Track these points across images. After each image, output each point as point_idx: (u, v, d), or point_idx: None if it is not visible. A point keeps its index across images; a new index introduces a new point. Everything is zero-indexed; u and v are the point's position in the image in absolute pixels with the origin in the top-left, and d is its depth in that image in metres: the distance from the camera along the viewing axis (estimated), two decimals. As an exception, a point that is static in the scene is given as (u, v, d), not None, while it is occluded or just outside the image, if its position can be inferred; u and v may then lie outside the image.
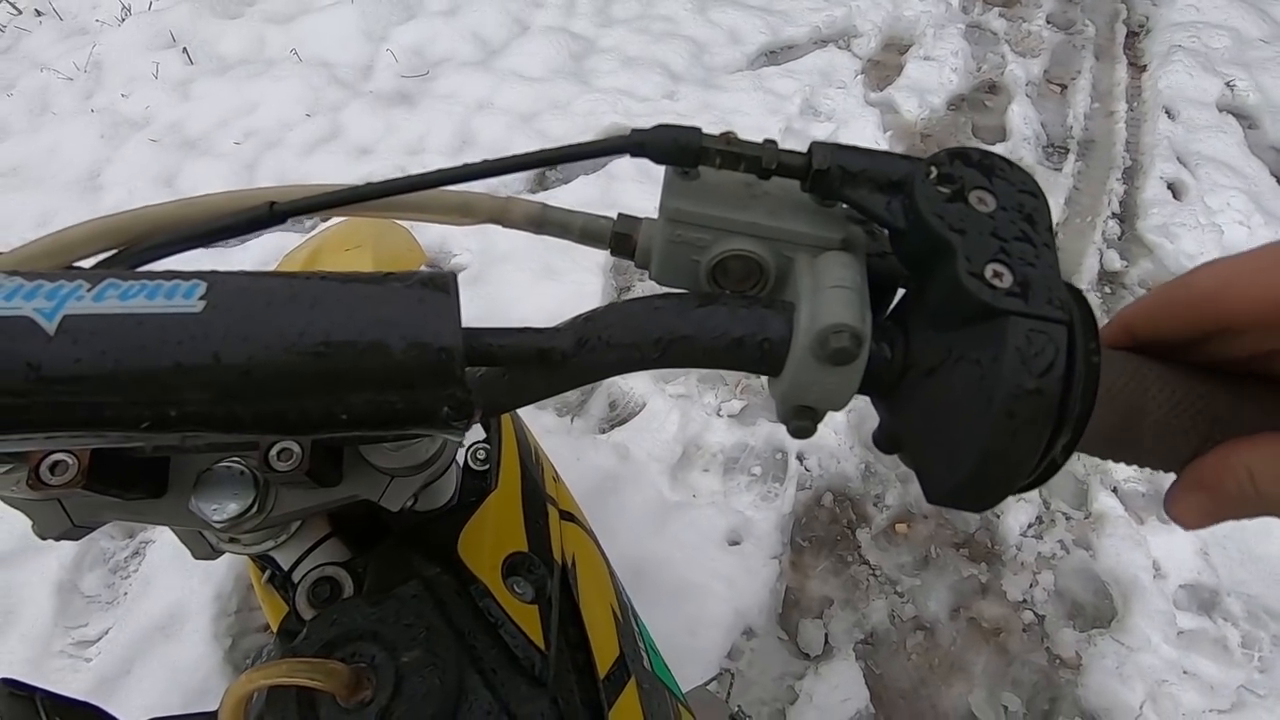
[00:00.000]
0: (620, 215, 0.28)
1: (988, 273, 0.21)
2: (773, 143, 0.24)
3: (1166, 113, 2.21)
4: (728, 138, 0.24)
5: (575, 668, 0.41)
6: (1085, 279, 1.85)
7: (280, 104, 2.16)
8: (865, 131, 2.14)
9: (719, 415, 1.53)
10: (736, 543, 1.35)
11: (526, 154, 0.24)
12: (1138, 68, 2.46)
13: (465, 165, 0.24)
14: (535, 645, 0.38)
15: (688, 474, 1.45)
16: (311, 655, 0.32)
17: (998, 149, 2.15)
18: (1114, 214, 2.00)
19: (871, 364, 0.24)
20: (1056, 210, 1.98)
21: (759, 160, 0.24)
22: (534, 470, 0.50)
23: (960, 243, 0.22)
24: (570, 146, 0.24)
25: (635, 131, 0.24)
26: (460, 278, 1.72)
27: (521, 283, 1.68)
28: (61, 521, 0.37)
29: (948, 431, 0.22)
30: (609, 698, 0.40)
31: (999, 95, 2.36)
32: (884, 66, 2.45)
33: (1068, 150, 2.18)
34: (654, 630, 1.21)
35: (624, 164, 2.02)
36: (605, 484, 1.39)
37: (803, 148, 0.24)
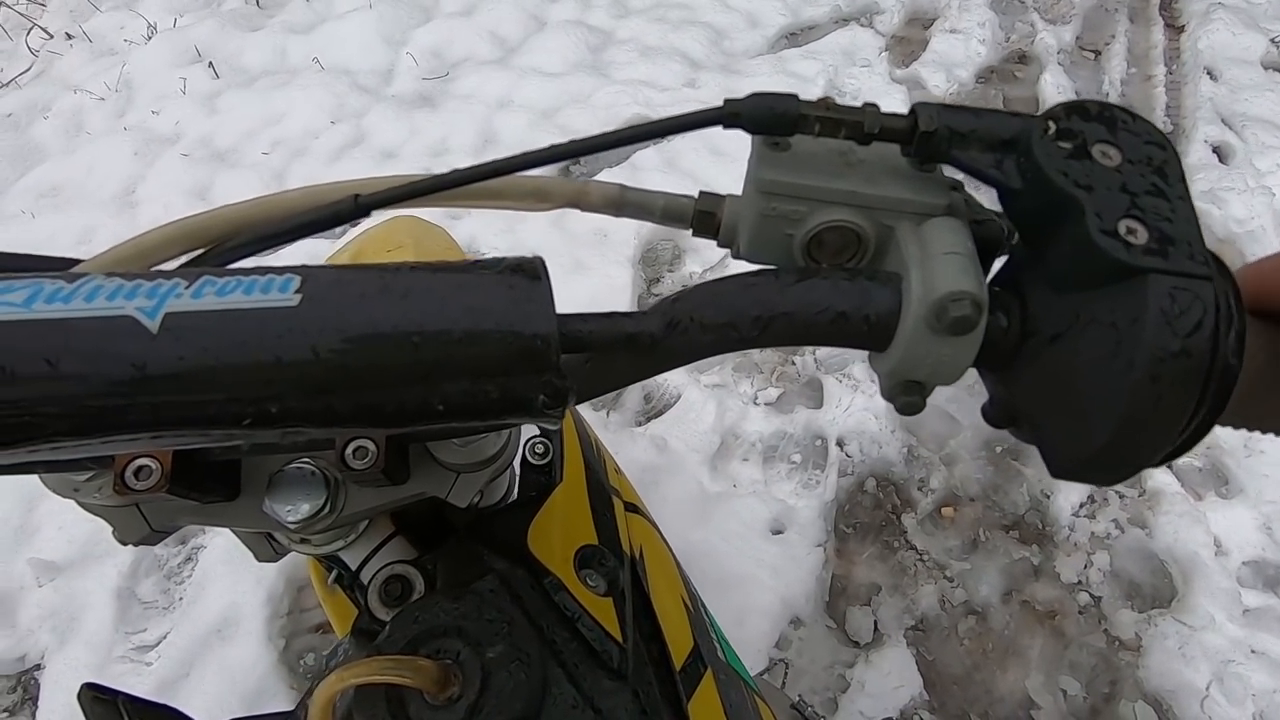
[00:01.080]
0: (702, 193, 0.27)
1: (1121, 229, 0.20)
2: (874, 106, 0.23)
3: (1208, 74, 2.13)
4: (826, 103, 0.23)
5: (651, 660, 0.40)
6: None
7: (305, 113, 2.18)
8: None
9: (756, 404, 1.52)
10: (780, 531, 1.34)
11: (615, 131, 0.23)
12: (1175, 29, 2.38)
13: (550, 147, 0.23)
14: (613, 638, 0.37)
15: (727, 464, 1.44)
16: (396, 653, 0.32)
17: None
18: (1155, 182, 1.93)
19: (987, 334, 0.23)
20: (1094, 181, 1.92)
21: (860, 125, 0.23)
22: (596, 463, 0.49)
23: (1088, 200, 0.20)
24: (662, 121, 0.23)
25: (729, 101, 0.23)
26: (490, 276, 1.74)
27: (551, 278, 1.68)
28: (141, 526, 0.38)
29: (1078, 400, 0.21)
30: (687, 690, 0.40)
31: (1030, 65, 2.29)
32: (908, 42, 2.40)
33: (1103, 119, 2.12)
34: (704, 621, 1.19)
35: (648, 155, 2.01)
36: (645, 477, 1.38)
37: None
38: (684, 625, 0.44)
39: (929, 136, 0.22)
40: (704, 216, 0.27)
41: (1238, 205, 1.78)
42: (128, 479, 0.31)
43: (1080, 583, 1.30)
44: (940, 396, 1.52)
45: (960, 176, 0.25)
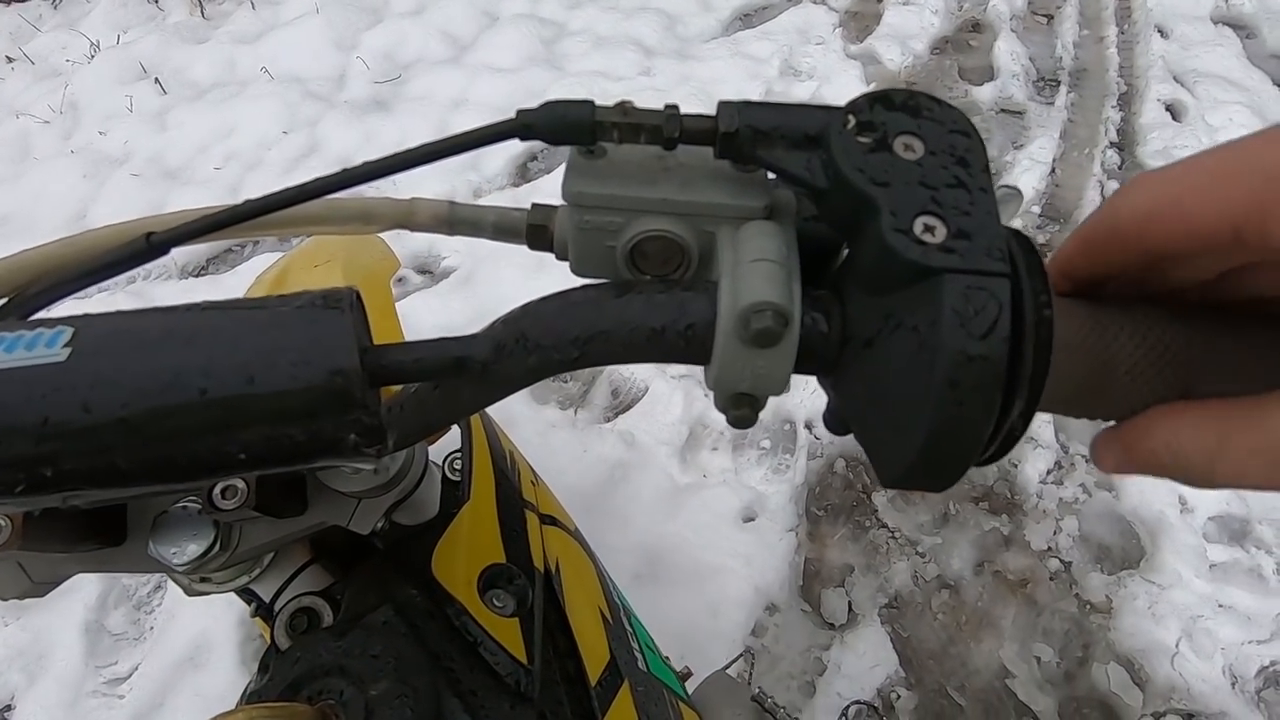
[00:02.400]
0: (534, 205, 0.26)
1: (917, 227, 0.19)
2: (674, 108, 0.22)
3: (1159, 32, 2.13)
4: (624, 108, 0.22)
5: (565, 677, 0.40)
6: (1087, 214, 1.80)
7: (257, 124, 2.14)
8: (848, 86, 2.09)
9: (724, 392, 1.51)
10: (751, 519, 1.34)
11: (415, 149, 0.22)
12: (1126, -11, 2.37)
13: (355, 166, 0.22)
14: (518, 660, 0.37)
15: (697, 454, 1.44)
16: (276, 696, 0.31)
17: (986, 88, 2.08)
18: (1112, 143, 1.94)
19: (807, 340, 0.22)
20: (1051, 145, 1.93)
21: (659, 130, 0.22)
22: (510, 475, 0.48)
23: (884, 197, 0.19)
24: (457, 136, 0.22)
25: (521, 112, 0.22)
26: (451, 279, 1.72)
27: (513, 279, 1.67)
28: (20, 581, 0.37)
29: (892, 408, 0.20)
30: (602, 705, 0.39)
31: (983, 33, 2.29)
32: (862, 17, 2.38)
33: (1059, 82, 2.12)
34: (675, 615, 1.20)
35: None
36: (615, 473, 1.38)
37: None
38: (600, 638, 0.43)
39: (731, 137, 0.21)
40: (537, 231, 0.26)
41: (1193, 163, 1.78)
42: (-27, 540, 0.30)
43: (1050, 549, 1.31)
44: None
45: None
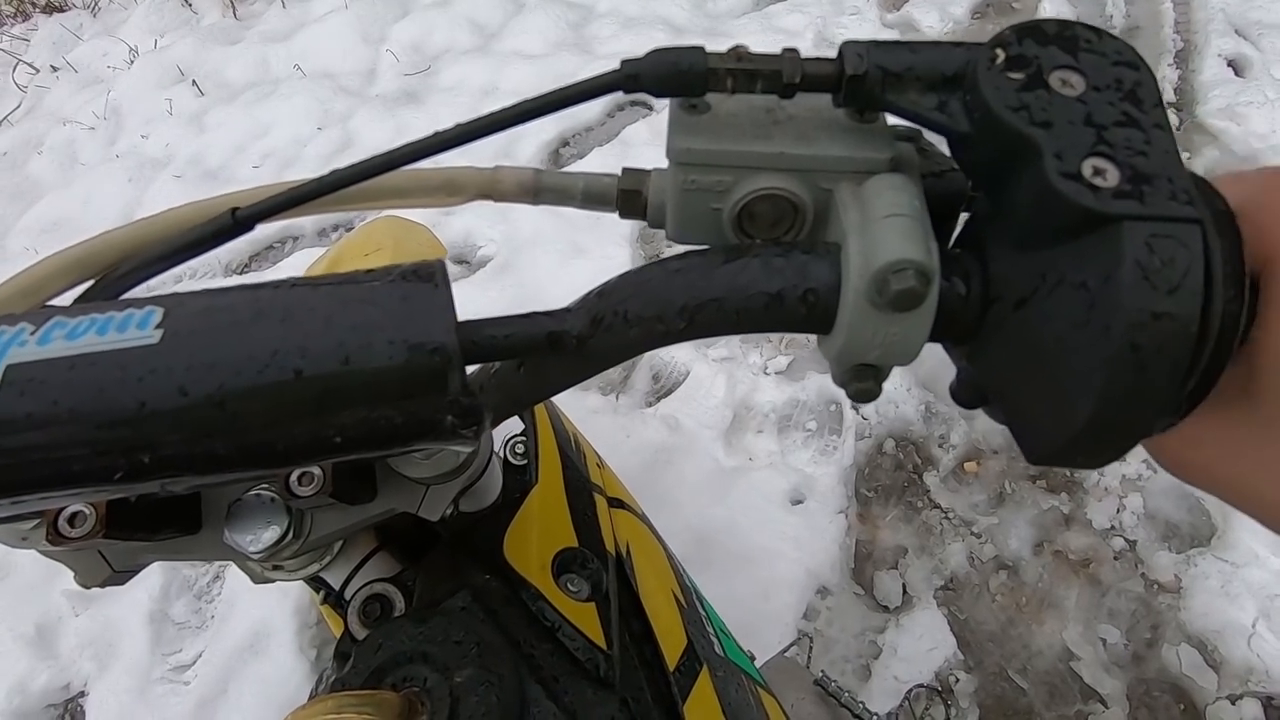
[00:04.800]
0: (625, 170, 0.25)
1: (1086, 170, 0.17)
2: (793, 51, 0.20)
3: (1218, -16, 2.02)
4: (738, 53, 0.20)
5: (643, 663, 0.39)
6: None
7: (291, 122, 2.17)
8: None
9: (766, 374, 1.49)
10: (800, 501, 1.32)
11: (511, 107, 0.21)
12: (1179, -60, 2.25)
13: (437, 134, 0.21)
14: (596, 645, 0.36)
15: (741, 437, 1.42)
16: (360, 684, 0.31)
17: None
18: (1170, 104, 1.85)
19: (944, 304, 0.20)
20: (1104, 110, 1.84)
21: (779, 75, 0.20)
22: (576, 458, 0.47)
23: (1045, 138, 0.17)
24: (557, 91, 0.21)
25: (626, 62, 0.20)
26: (488, 268, 1.72)
27: (549, 265, 1.66)
28: (102, 569, 0.37)
29: (1050, 376, 0.18)
30: (682, 691, 0.38)
31: (1027, -5, 2.19)
32: (898, -16, 2.31)
33: (1109, 43, 2.02)
34: (726, 598, 1.19)
35: (640, 130, 1.96)
36: (659, 457, 1.37)
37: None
38: (676, 622, 0.42)
39: (858, 81, 0.19)
40: (629, 196, 0.25)
41: (1258, 119, 1.69)
42: (61, 527, 0.30)
43: (1113, 528, 1.27)
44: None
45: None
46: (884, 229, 0.19)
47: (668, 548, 0.50)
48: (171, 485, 0.20)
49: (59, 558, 0.37)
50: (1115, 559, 1.24)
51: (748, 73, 0.20)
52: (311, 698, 0.41)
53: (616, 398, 1.49)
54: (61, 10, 2.82)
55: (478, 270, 1.73)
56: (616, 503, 0.47)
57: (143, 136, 2.25)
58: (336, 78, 2.30)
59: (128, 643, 1.23)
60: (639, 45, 2.20)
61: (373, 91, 2.25)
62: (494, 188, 0.25)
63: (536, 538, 0.40)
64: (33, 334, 0.18)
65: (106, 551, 0.37)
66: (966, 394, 0.23)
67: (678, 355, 1.53)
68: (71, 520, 0.30)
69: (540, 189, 0.25)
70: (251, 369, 0.19)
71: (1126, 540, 1.25)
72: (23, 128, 2.39)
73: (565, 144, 2.05)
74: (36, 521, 0.34)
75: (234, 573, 1.31)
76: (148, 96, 2.37)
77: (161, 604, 1.27)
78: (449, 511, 0.42)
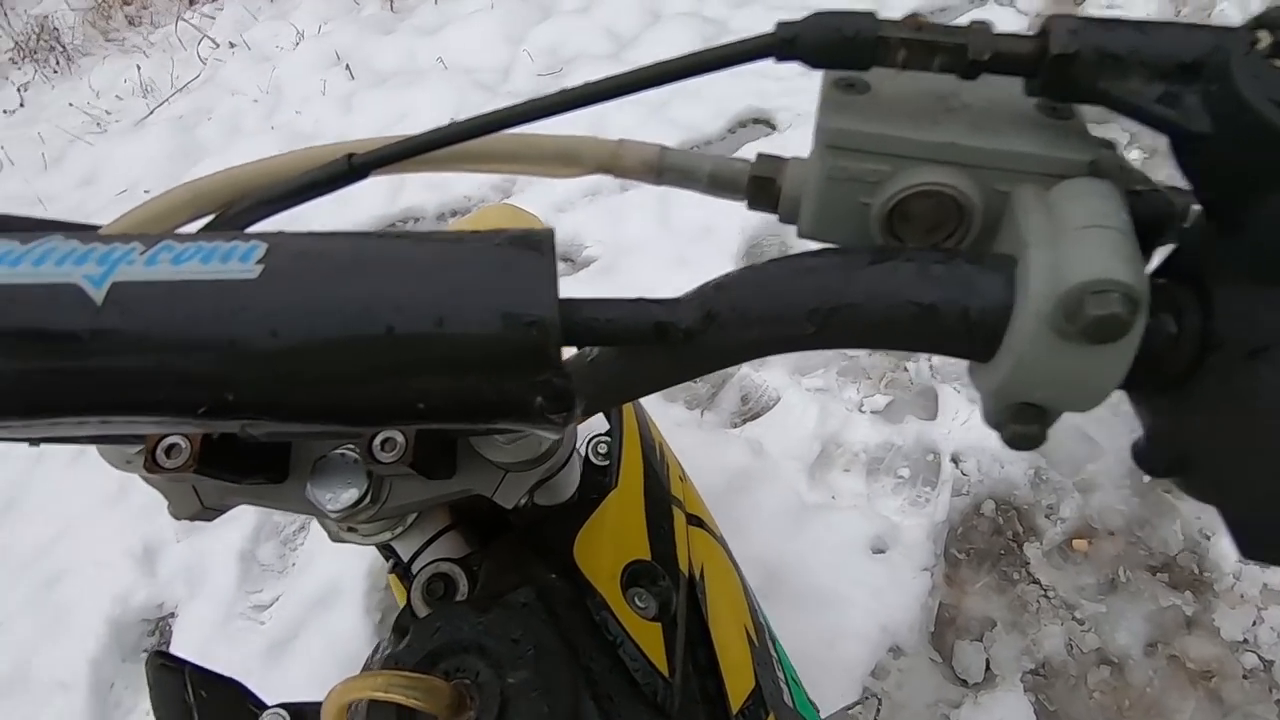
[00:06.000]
0: (760, 155, 0.22)
1: None
2: (983, 25, 0.17)
3: None
4: (915, 22, 0.17)
5: (704, 697, 0.36)
6: None
7: (428, 110, 2.28)
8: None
9: (861, 411, 1.42)
10: (881, 550, 1.24)
11: (650, 66, 0.19)
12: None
13: (564, 91, 0.19)
14: (658, 670, 0.33)
15: (827, 473, 1.35)
16: (414, 666, 0.30)
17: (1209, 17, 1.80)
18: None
19: (1148, 341, 0.16)
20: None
21: (964, 50, 0.17)
22: (658, 468, 0.45)
23: None
24: (703, 53, 0.19)
25: (783, 25, 0.18)
26: (592, 268, 1.73)
27: (652, 273, 1.66)
28: (193, 503, 0.38)
29: None
30: (743, 736, 0.35)
31: None
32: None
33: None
34: (788, 640, 1.12)
35: (762, 149, 1.93)
36: (737, 481, 1.32)
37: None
38: (746, 661, 0.39)
39: (1066, 63, 0.16)
40: (761, 184, 0.22)
41: None
42: (158, 456, 0.31)
43: (1246, 641, 1.11)
44: (1080, 416, 1.35)
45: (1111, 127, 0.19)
46: (1082, 241, 0.16)
47: (744, 577, 0.46)
48: (252, 429, 0.19)
49: (157, 485, 0.39)
50: (1245, 677, 1.08)
51: (925, 45, 0.17)
52: (366, 666, 0.41)
53: (701, 414, 1.46)
54: (246, -6, 3.11)
55: (581, 270, 1.75)
56: (695, 520, 0.44)
57: (297, 112, 2.44)
58: (474, 72, 2.41)
59: (218, 575, 1.31)
60: (769, 64, 2.17)
61: (506, 88, 2.34)
62: (615, 162, 0.23)
63: (609, 544, 0.38)
64: (141, 254, 0.18)
65: (198, 487, 0.38)
66: (1158, 457, 0.19)
67: (770, 379, 1.48)
68: (169, 451, 0.31)
69: (664, 167, 0.23)
70: (342, 318, 0.18)
71: (1261, 659, 1.09)
72: (199, 95, 2.65)
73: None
74: (140, 448, 0.35)
75: (317, 527, 1.37)
76: (306, 76, 2.56)
77: (252, 544, 1.35)
78: (523, 501, 0.41)
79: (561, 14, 2.56)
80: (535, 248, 0.19)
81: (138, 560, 1.35)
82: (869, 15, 0.17)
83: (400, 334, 0.18)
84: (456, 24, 2.60)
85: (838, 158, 0.19)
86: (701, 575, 0.40)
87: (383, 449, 0.33)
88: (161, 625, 1.33)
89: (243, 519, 1.38)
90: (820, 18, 0.18)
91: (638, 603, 0.36)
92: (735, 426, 1.43)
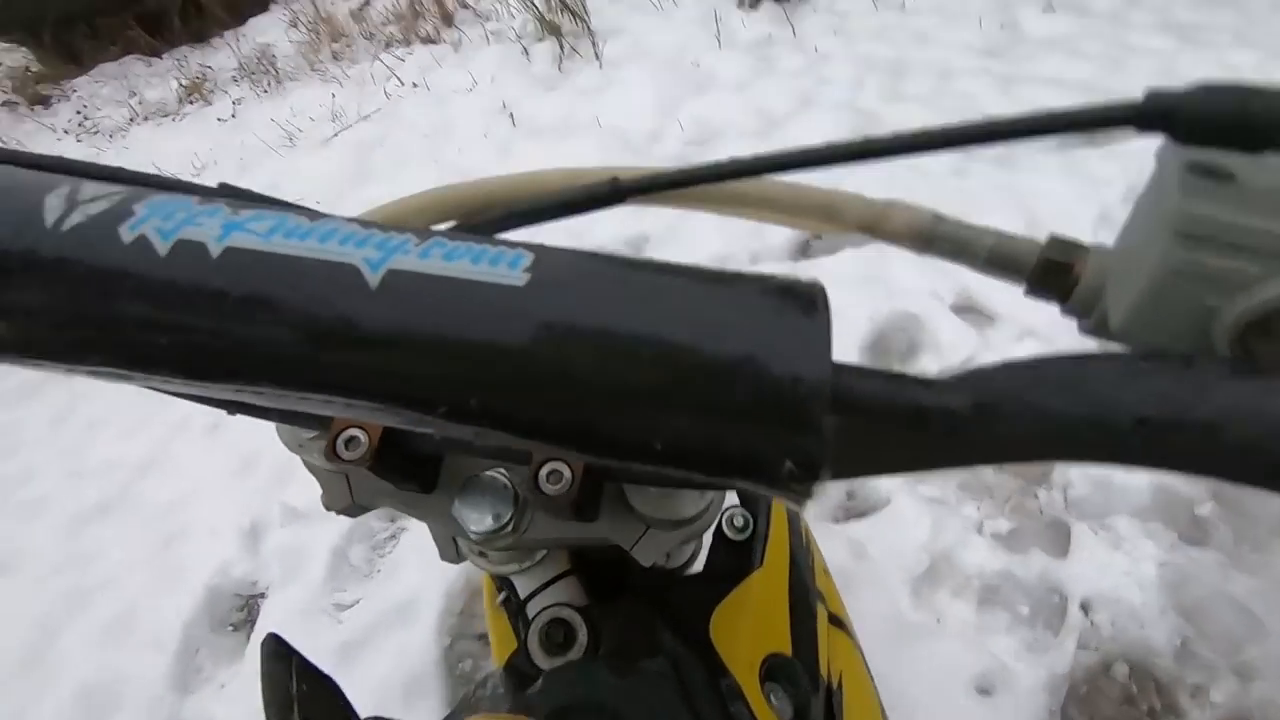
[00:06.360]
0: (1053, 237, 0.20)
1: None
2: None
3: None
4: None
5: (831, 824, 0.32)
6: None
7: (577, 163, 2.41)
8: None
9: (980, 533, 1.30)
10: (987, 692, 1.11)
11: (972, 124, 0.17)
12: None
13: (868, 139, 0.18)
14: (790, 781, 0.30)
15: (934, 592, 1.24)
16: (545, 716, 0.28)
17: None
18: None
19: None
20: None
21: None
22: (803, 558, 0.42)
23: None
24: (1049, 113, 0.17)
25: (1155, 94, 0.16)
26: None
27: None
28: (345, 496, 0.38)
29: None
30: None
31: None
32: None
33: None
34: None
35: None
36: (836, 580, 1.24)
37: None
38: (879, 791, 0.34)
39: None
40: (1053, 268, 0.20)
41: None
42: (338, 446, 0.31)
43: None
44: (1242, 587, 1.18)
45: None
46: None
47: (879, 694, 0.42)
48: (485, 438, 0.18)
49: (316, 473, 0.40)
50: None
51: None
52: (468, 699, 0.39)
53: (803, 501, 1.39)
54: (435, 43, 3.45)
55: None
56: (836, 621, 0.40)
57: (459, 150, 2.64)
58: (626, 134, 2.53)
59: (311, 566, 1.36)
60: (921, 159, 2.14)
61: (653, 151, 2.44)
62: (880, 224, 0.22)
63: (749, 629, 0.35)
64: (415, 246, 0.18)
65: (353, 481, 0.39)
66: None
67: (881, 482, 1.40)
68: (349, 443, 0.31)
69: (935, 236, 0.21)
70: (603, 337, 0.17)
71: None
72: (377, 126, 2.93)
73: (819, 235, 2.03)
74: (317, 434, 0.36)
75: (408, 537, 1.40)
76: (473, 120, 2.79)
77: (345, 543, 1.39)
78: (659, 560, 0.39)
79: (718, 89, 2.67)
80: (811, 301, 0.17)
81: (243, 536, 1.42)
82: (1273, 92, 0.15)
83: (661, 364, 0.17)
84: (616, 88, 2.75)
85: (1193, 249, 0.16)
86: (839, 685, 0.36)
87: (549, 480, 0.32)
88: (250, 603, 1.38)
89: (342, 518, 1.43)
90: (1210, 91, 0.15)
91: (773, 699, 0.33)
92: (838, 522, 1.35)
